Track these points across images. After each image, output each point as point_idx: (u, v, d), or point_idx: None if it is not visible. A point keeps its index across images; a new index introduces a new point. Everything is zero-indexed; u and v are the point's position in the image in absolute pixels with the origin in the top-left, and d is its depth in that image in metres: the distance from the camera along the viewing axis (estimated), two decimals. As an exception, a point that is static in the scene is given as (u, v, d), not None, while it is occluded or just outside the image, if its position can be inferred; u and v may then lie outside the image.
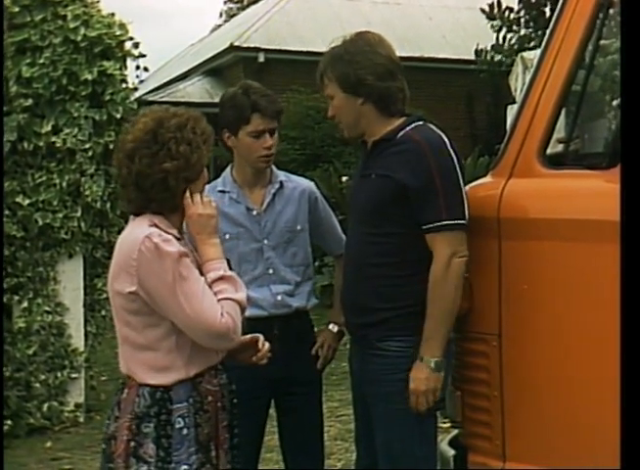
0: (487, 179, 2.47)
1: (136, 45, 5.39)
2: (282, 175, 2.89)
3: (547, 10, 10.84)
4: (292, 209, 2.84)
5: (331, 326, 2.88)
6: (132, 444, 2.11)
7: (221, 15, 27.81)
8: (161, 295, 2.07)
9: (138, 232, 2.13)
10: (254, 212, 2.80)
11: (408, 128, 2.46)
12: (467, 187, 2.59)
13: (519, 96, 6.67)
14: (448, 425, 2.67)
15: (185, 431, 2.13)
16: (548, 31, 2.38)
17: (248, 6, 21.41)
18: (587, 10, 2.29)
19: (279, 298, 2.78)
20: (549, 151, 2.35)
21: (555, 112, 2.31)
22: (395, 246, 2.42)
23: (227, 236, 2.73)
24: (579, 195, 2.28)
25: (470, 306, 2.39)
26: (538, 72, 2.35)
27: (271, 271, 2.79)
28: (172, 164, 2.12)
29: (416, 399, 2.39)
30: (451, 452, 2.47)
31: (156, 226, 2.14)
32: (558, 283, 2.28)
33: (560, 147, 2.43)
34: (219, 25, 23.90)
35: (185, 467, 2.13)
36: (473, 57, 12.03)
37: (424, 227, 2.38)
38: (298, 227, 2.84)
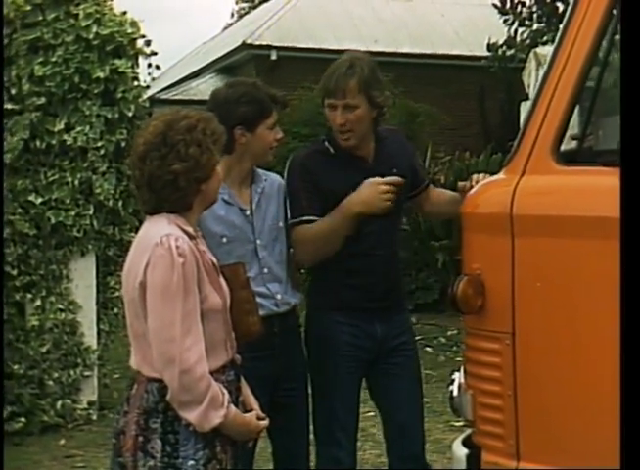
0: (500, 176, 2.44)
1: (148, 43, 5.39)
2: (261, 173, 2.90)
3: (560, 4, 10.78)
4: (274, 206, 2.86)
5: None
6: (140, 439, 2.14)
7: (233, 15, 27.80)
8: (153, 293, 2.09)
9: (157, 230, 2.16)
10: (247, 213, 2.80)
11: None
12: (480, 184, 2.60)
13: (532, 92, 6.64)
14: (461, 423, 2.66)
15: (192, 427, 2.13)
16: (562, 26, 2.34)
17: (259, 5, 21.39)
18: (602, 4, 2.25)
19: (279, 296, 2.81)
20: (563, 147, 2.32)
21: (569, 108, 2.27)
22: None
23: (224, 239, 2.73)
24: (593, 192, 2.24)
25: (482, 304, 2.36)
26: (552, 68, 2.31)
27: (266, 271, 2.80)
28: (182, 165, 2.16)
29: None
30: (464, 452, 2.44)
31: (174, 224, 2.17)
32: (572, 281, 2.24)
33: (574, 144, 2.40)
34: (231, 24, 23.88)
35: (192, 463, 2.15)
36: (485, 53, 11.98)
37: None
38: (281, 224, 2.87)
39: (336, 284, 2.95)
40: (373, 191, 2.82)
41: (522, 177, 2.32)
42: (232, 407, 2.17)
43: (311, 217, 2.85)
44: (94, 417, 5.25)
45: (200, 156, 2.18)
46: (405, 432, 3.01)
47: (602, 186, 2.22)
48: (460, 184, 2.91)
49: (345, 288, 2.94)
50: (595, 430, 2.21)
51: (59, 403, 5.12)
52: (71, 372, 5.17)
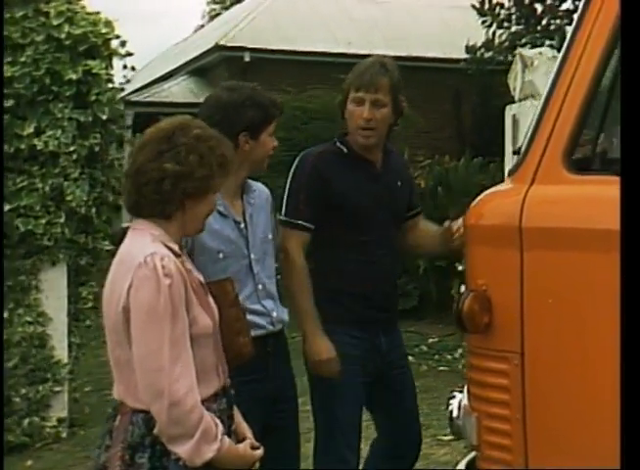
0: (507, 185, 2.33)
1: (123, 43, 5.24)
2: (251, 183, 2.78)
3: (538, 6, 10.78)
4: (264, 217, 2.76)
5: None
6: None
7: (203, 16, 27.58)
8: (137, 318, 1.95)
9: (140, 248, 2.00)
10: (241, 226, 2.67)
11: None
12: (484, 193, 2.47)
13: (518, 95, 6.55)
14: (449, 438, 2.58)
15: (182, 462, 1.98)
16: (573, 26, 2.25)
17: (231, 6, 21.23)
18: (616, 5, 2.13)
19: (274, 314, 2.70)
20: (575, 155, 2.20)
21: (582, 113, 2.16)
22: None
23: (221, 255, 2.60)
24: (607, 202, 2.12)
25: (489, 322, 2.23)
26: (562, 70, 2.21)
27: (260, 287, 2.69)
28: (174, 167, 2.02)
29: None
30: (469, 478, 2.32)
31: (159, 242, 2.02)
32: (584, 297, 2.13)
33: (586, 151, 2.29)
34: (202, 26, 23.69)
35: None
36: (460, 56, 11.96)
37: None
38: (270, 236, 2.77)
39: (335, 293, 2.90)
40: (327, 360, 2.78)
41: (531, 186, 2.22)
42: (225, 439, 2.03)
43: (305, 224, 2.86)
44: (64, 435, 5.04)
45: (197, 167, 2.03)
46: (408, 449, 3.02)
47: (617, 196, 2.09)
48: (446, 223, 2.96)
49: (345, 296, 2.90)
50: (610, 453, 2.07)
51: (26, 421, 4.91)
52: (40, 388, 4.97)
